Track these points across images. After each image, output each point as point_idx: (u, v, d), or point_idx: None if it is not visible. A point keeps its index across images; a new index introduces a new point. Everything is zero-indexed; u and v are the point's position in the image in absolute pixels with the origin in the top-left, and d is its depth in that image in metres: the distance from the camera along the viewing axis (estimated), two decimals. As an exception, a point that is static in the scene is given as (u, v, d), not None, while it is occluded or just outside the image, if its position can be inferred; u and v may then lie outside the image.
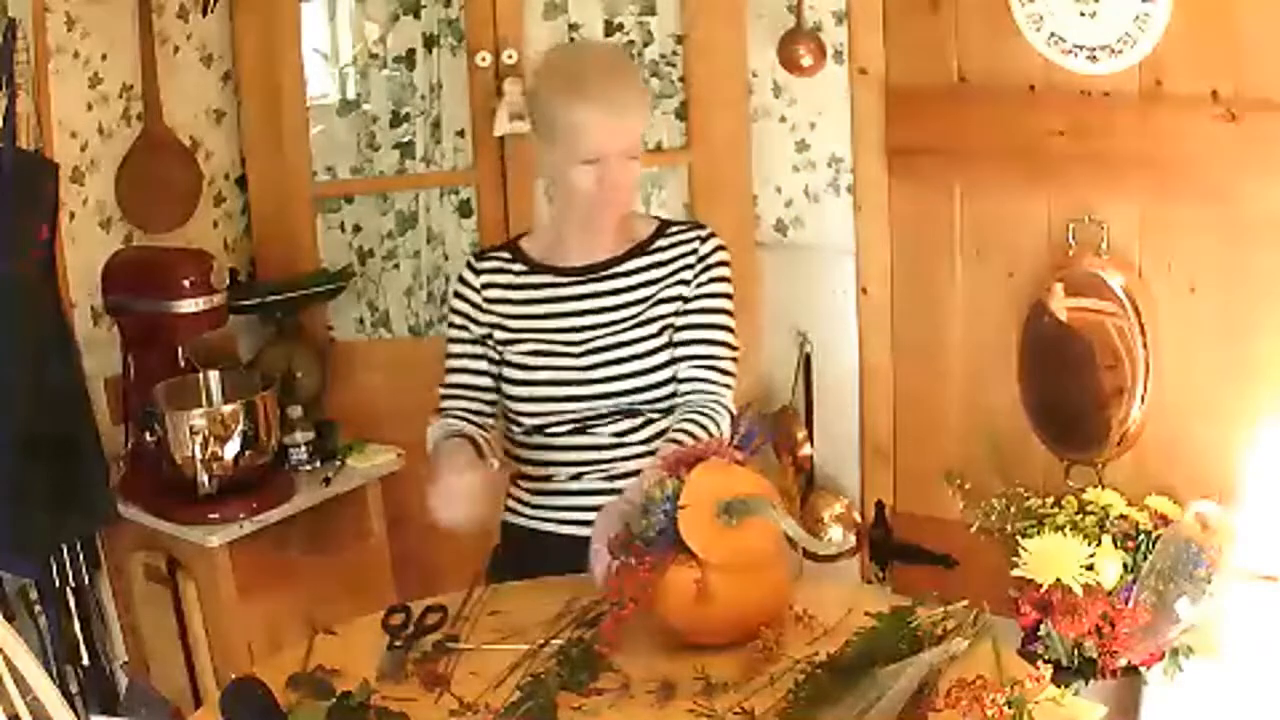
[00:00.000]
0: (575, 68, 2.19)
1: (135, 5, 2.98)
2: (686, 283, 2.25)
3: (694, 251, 2.26)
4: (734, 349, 2.28)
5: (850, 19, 3.12)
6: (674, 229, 2.30)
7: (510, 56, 3.12)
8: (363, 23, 3.30)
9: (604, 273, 2.26)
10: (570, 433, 2.24)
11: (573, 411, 2.23)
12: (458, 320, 2.31)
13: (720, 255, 2.28)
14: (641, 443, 2.22)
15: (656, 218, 2.36)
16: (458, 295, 2.32)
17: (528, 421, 2.27)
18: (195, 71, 3.20)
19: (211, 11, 3.17)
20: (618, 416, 2.23)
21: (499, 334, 2.27)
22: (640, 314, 2.25)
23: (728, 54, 3.25)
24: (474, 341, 2.29)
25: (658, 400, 2.23)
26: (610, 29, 3.25)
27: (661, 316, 2.25)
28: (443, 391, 2.33)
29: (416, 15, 3.23)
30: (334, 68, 3.32)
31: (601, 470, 2.24)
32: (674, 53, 3.25)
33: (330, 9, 3.30)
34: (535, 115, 2.22)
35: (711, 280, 2.26)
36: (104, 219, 3.02)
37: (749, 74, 3.31)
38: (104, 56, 2.97)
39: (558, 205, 2.29)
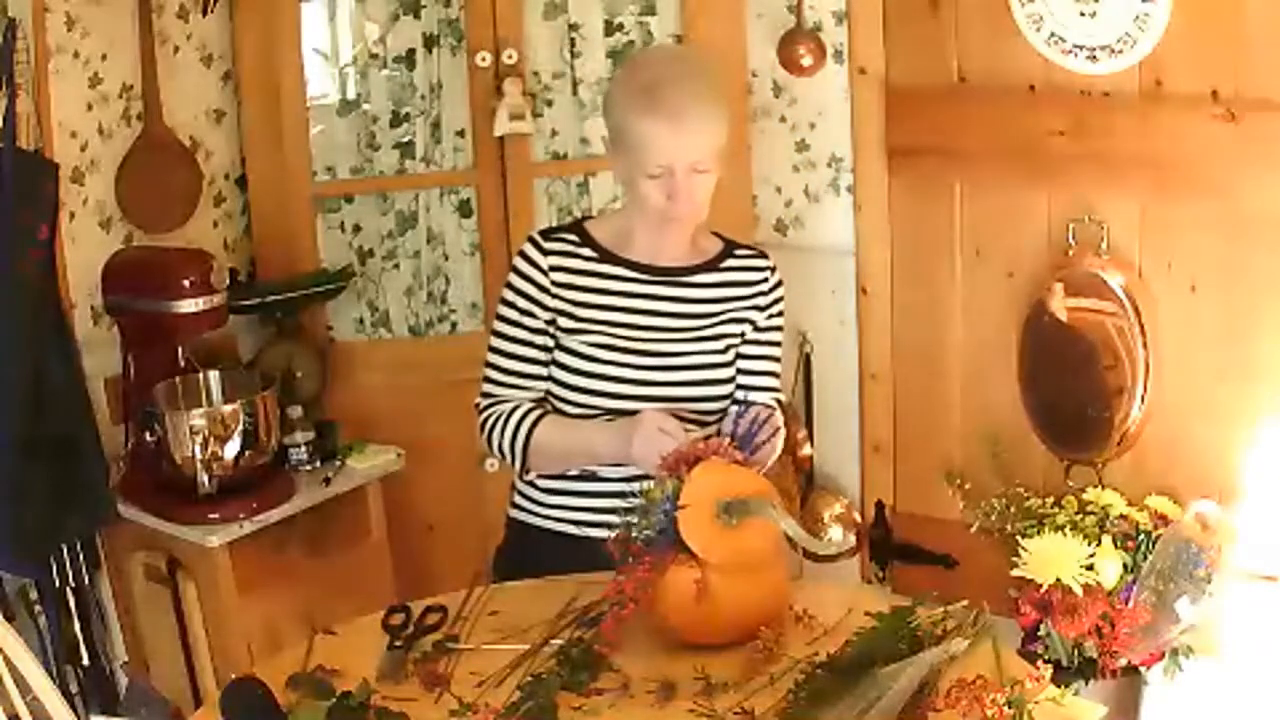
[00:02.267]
0: (647, 77, 2.15)
1: (135, 5, 2.98)
2: (760, 309, 2.27)
3: (766, 280, 2.28)
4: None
5: (850, 19, 3.12)
6: (741, 251, 2.30)
7: (510, 56, 3.12)
8: (363, 23, 3.30)
9: (675, 279, 2.24)
10: None
11: (617, 408, 2.18)
12: (521, 303, 2.21)
13: (781, 290, 2.31)
14: None
15: (719, 235, 2.32)
16: (520, 274, 2.22)
17: (571, 411, 2.21)
18: (195, 71, 3.20)
19: (211, 11, 3.18)
20: None
21: (563, 321, 2.21)
22: (705, 327, 2.23)
23: (728, 54, 3.25)
24: (536, 330, 2.21)
25: (701, 415, 2.20)
26: (610, 29, 3.25)
27: (729, 335, 2.25)
28: (496, 377, 2.23)
29: (416, 15, 3.23)
30: (334, 68, 3.32)
31: (620, 470, 2.18)
32: (674, 53, 3.25)
33: (330, 9, 3.29)
34: (607, 122, 2.18)
35: (780, 313, 2.31)
36: (104, 219, 3.02)
37: (749, 74, 3.32)
38: (104, 56, 2.97)
39: (629, 210, 2.25)
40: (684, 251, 2.25)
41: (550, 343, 2.21)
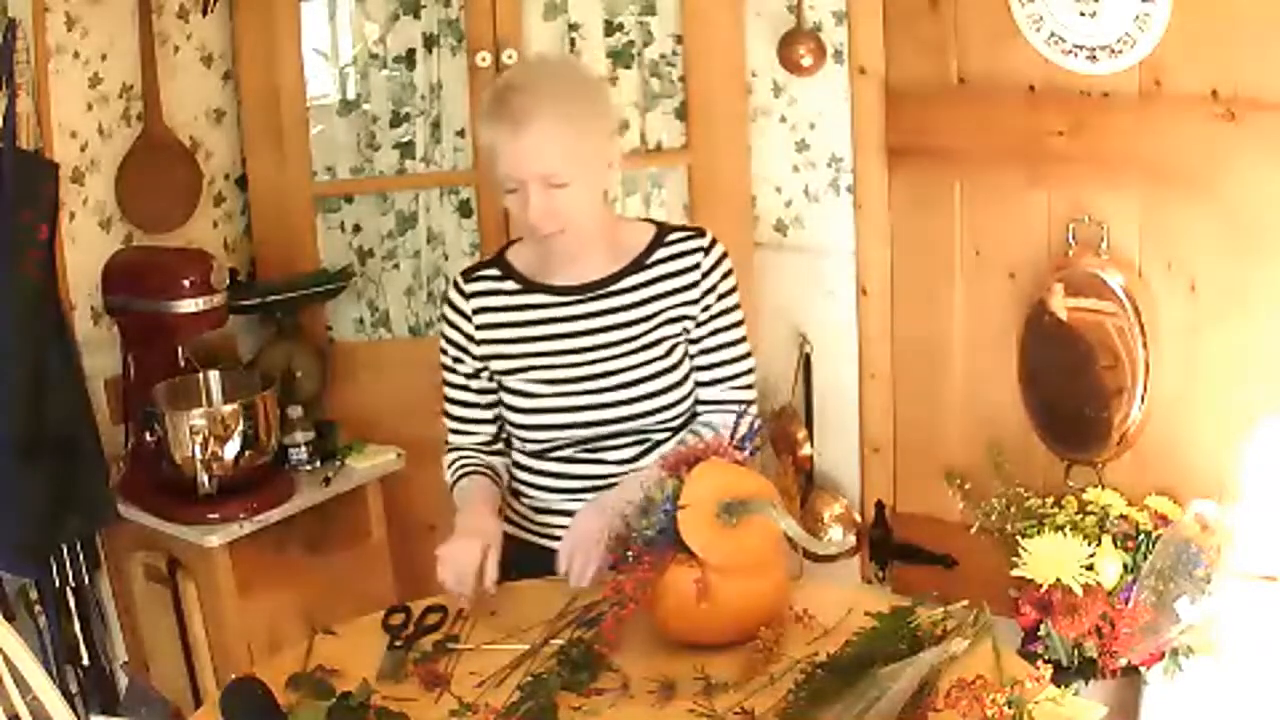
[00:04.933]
0: (500, 84, 2.06)
1: (135, 5, 2.99)
2: (694, 301, 2.16)
3: (696, 266, 2.16)
4: (750, 358, 2.22)
5: (850, 19, 3.12)
6: (672, 237, 2.19)
7: (510, 56, 3.12)
8: (363, 23, 3.30)
9: (600, 292, 2.16)
10: (574, 459, 2.19)
11: (578, 437, 2.17)
12: (451, 350, 2.22)
13: (724, 265, 2.19)
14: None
15: (653, 222, 2.25)
16: (448, 321, 2.22)
17: (531, 446, 2.22)
18: (195, 71, 3.20)
19: (211, 11, 3.18)
20: (623, 441, 2.18)
21: (496, 364, 2.19)
22: (643, 335, 2.16)
23: (728, 54, 3.25)
24: (471, 375, 2.22)
25: (667, 422, 2.18)
26: (610, 29, 3.25)
27: (669, 338, 2.16)
28: (448, 425, 2.26)
29: (416, 15, 3.23)
30: (334, 68, 3.32)
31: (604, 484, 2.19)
32: (674, 53, 3.25)
33: (330, 9, 3.29)
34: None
35: (721, 296, 2.18)
36: (104, 219, 3.02)
37: (749, 74, 3.32)
38: (104, 56, 2.97)
39: None
40: (604, 258, 2.16)
41: (491, 384, 2.21)
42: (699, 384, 2.19)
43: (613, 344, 2.16)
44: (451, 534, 2.05)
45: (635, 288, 2.16)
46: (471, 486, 2.18)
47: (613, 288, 2.16)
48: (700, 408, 2.20)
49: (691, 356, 2.19)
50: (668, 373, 2.16)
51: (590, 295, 2.17)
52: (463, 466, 2.22)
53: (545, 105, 1.99)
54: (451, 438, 2.27)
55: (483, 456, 2.25)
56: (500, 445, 2.28)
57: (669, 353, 2.16)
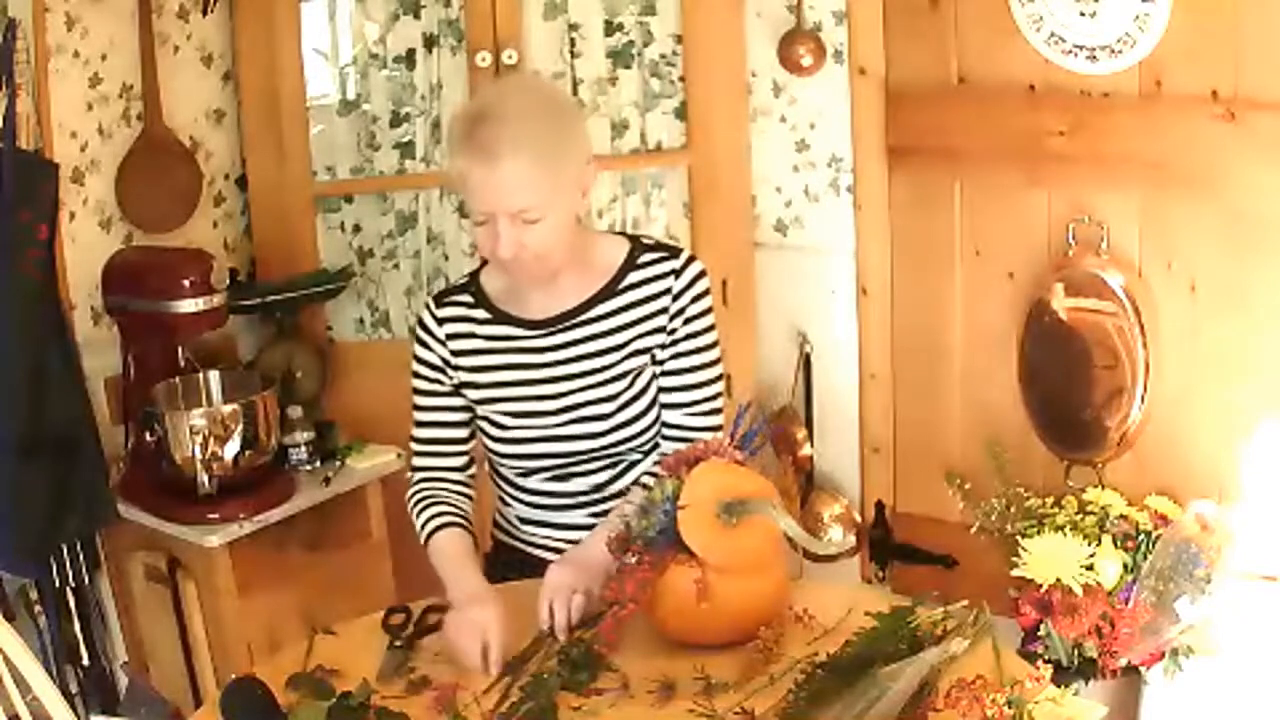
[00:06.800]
0: (474, 109, 1.99)
1: (135, 5, 2.99)
2: (662, 329, 2.10)
3: (668, 290, 2.09)
4: (718, 382, 2.15)
5: (850, 19, 3.12)
6: (645, 258, 2.11)
7: (510, 56, 3.12)
8: (363, 23, 3.30)
9: (570, 322, 2.11)
10: (552, 479, 2.18)
11: (549, 465, 2.16)
12: (426, 372, 2.17)
13: (697, 287, 2.10)
14: (624, 490, 2.16)
15: (628, 238, 2.17)
16: (422, 343, 2.17)
17: (508, 472, 2.22)
18: (195, 71, 3.20)
19: (211, 11, 3.18)
20: (596, 465, 2.15)
21: (471, 392, 2.16)
22: (610, 367, 2.10)
23: (728, 54, 3.25)
24: (448, 393, 2.17)
25: (639, 446, 2.15)
26: (610, 29, 3.25)
27: (635, 369, 2.11)
28: (415, 447, 2.21)
29: (416, 15, 3.23)
30: (334, 68, 3.32)
31: (585, 511, 2.19)
32: (674, 53, 3.25)
33: (330, 9, 3.29)
34: None
35: (689, 319, 2.10)
36: (104, 219, 3.03)
37: (749, 74, 3.32)
38: (104, 56, 2.98)
39: None
40: (576, 282, 2.10)
41: (467, 402, 2.18)
42: (662, 405, 2.15)
43: (579, 375, 2.12)
44: (451, 604, 1.97)
45: (605, 316, 2.11)
46: (451, 548, 2.10)
47: (582, 317, 2.11)
48: (663, 429, 2.16)
49: (664, 390, 2.15)
50: (634, 401, 2.12)
51: (558, 328, 2.11)
52: (438, 515, 2.14)
53: (519, 137, 1.92)
54: (418, 460, 2.21)
55: (454, 497, 2.18)
56: (472, 472, 2.22)
57: (633, 382, 2.12)
